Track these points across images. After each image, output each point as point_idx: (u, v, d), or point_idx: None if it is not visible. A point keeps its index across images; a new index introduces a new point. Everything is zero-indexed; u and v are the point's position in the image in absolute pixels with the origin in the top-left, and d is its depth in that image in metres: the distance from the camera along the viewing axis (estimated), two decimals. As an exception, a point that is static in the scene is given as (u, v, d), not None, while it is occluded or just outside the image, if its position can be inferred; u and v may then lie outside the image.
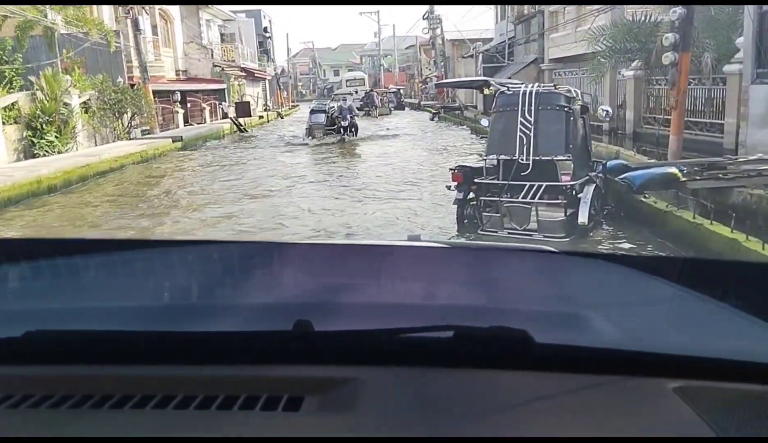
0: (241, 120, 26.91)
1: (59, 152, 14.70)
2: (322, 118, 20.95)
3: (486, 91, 7.79)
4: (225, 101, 32.29)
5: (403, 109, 44.95)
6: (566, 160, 6.60)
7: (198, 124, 28.21)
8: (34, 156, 14.14)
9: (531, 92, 6.69)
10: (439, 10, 37.49)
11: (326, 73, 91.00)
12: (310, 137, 20.62)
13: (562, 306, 1.13)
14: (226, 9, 40.28)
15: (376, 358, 0.94)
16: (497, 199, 6.85)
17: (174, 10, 31.22)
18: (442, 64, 37.84)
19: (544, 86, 6.90)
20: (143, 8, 23.55)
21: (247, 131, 26.03)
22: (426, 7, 38.05)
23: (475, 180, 7.07)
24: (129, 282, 1.21)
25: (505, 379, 0.91)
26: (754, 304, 1.01)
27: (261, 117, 35.43)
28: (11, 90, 15.74)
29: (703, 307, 1.06)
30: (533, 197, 6.58)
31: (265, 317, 1.06)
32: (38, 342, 0.94)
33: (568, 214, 6.58)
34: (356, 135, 20.95)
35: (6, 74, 16.71)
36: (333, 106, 21.86)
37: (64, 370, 0.93)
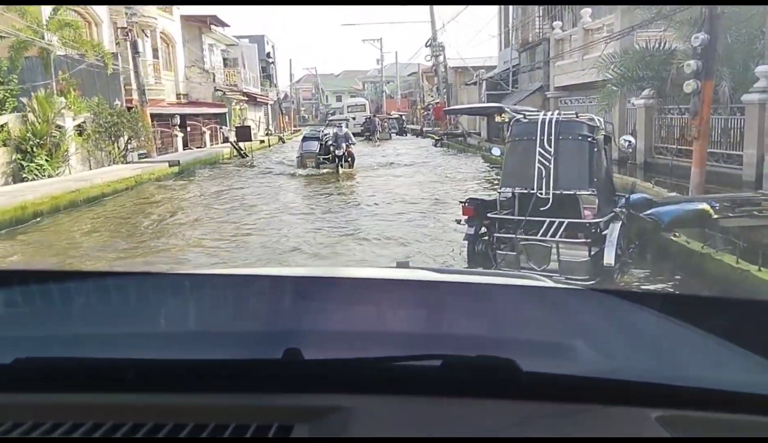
0: (241, 144, 26.48)
1: (50, 176, 14.15)
2: (314, 146, 18.69)
3: (499, 118, 7.23)
4: (226, 125, 31.98)
5: (405, 135, 45.12)
6: (590, 194, 6.01)
7: (198, 148, 27.79)
8: (23, 180, 13.58)
9: (551, 120, 6.13)
10: (442, 37, 37.38)
11: (329, 99, 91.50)
12: (301, 167, 18.61)
13: (548, 336, 1.12)
14: (230, 34, 40.31)
15: (365, 386, 0.95)
16: (513, 235, 6.25)
17: (176, 33, 31.08)
18: (444, 90, 37.64)
19: (564, 114, 6.34)
20: (144, 31, 23.30)
21: (247, 156, 25.55)
22: (429, 35, 37.99)
23: (489, 214, 6.47)
24: (119, 310, 1.21)
25: (492, 407, 0.92)
26: (736, 335, 1.02)
27: (262, 141, 35.14)
28: (3, 111, 15.29)
29: (687, 337, 1.07)
30: (554, 235, 5.98)
31: (254, 345, 1.06)
32: (28, 369, 0.94)
33: (592, 253, 5.97)
34: (353, 165, 18.78)
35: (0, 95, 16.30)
36: (328, 133, 19.62)
37: (54, 398, 0.93)
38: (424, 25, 49.94)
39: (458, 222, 7.02)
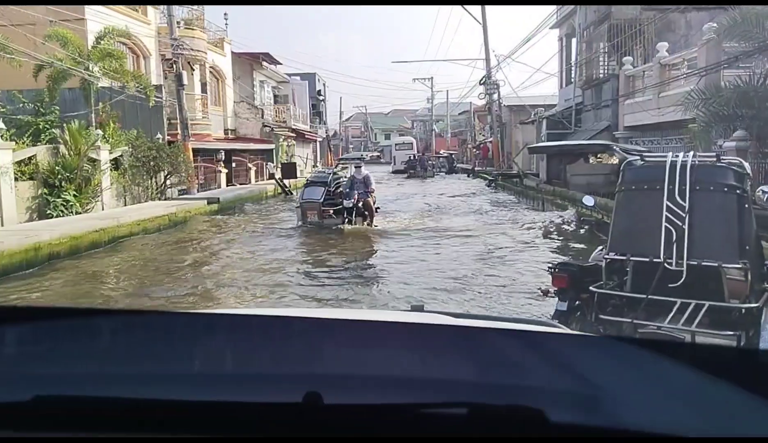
0: (286, 181, 25.46)
1: (77, 213, 13.13)
2: (318, 193, 13.94)
3: (608, 158, 5.60)
4: (272, 161, 31.24)
5: (456, 174, 43.78)
6: (740, 267, 4.30)
7: (242, 184, 26.93)
8: (47, 216, 12.61)
9: (683, 164, 4.49)
10: (498, 75, 36.11)
11: (377, 137, 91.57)
12: (301, 221, 14.10)
13: (574, 385, 1.08)
14: (281, 71, 40.17)
15: (389, 433, 0.93)
16: (626, 319, 4.54)
17: (227, 68, 30.76)
18: (498, 129, 36.20)
19: (700, 156, 4.69)
20: (191, 64, 22.75)
21: (292, 193, 24.44)
22: (483, 72, 36.81)
23: (590, 287, 4.80)
24: (139, 350, 1.18)
25: None
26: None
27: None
28: (39, 142, 14.56)
29: (717, 389, 1.05)
30: (689, 322, 4.25)
31: (275, 388, 1.03)
32: (47, 406, 0.94)
33: (742, 347, 4.22)
34: (372, 220, 13.57)
35: (39, 126, 15.67)
36: (341, 177, 15.22)
37: (73, 436, 0.93)
38: (477, 63, 49.12)
39: (545, 293, 5.41)
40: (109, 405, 0.95)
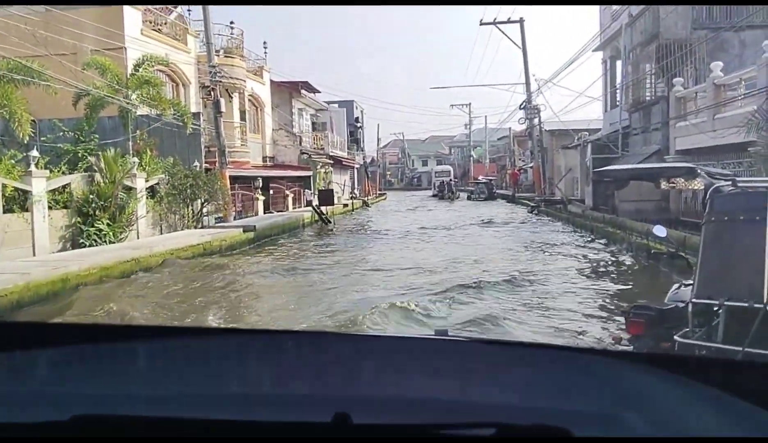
0: (324, 208, 25.07)
1: (110, 242, 12.88)
2: None
3: (691, 183, 4.90)
4: (310, 188, 31.02)
5: (495, 200, 43.08)
6: None
7: (279, 211, 26.68)
8: (80, 246, 12.37)
9: (789, 191, 3.76)
10: (539, 99, 35.39)
11: (414, 163, 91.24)
12: None
13: (600, 405, 1.08)
14: (320, 98, 40.27)
15: None
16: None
17: (265, 96, 30.87)
18: (539, 154, 35.33)
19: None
20: (229, 91, 22.73)
21: (330, 221, 23.99)
22: (523, 97, 36.15)
23: (675, 336, 4.07)
24: (174, 369, 1.18)
25: None
26: None
27: (345, 205, 33.91)
28: (77, 170, 14.47)
29: (744, 411, 1.02)
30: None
31: (304, 407, 1.04)
32: (85, 425, 0.95)
33: None
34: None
35: (78, 154, 15.65)
36: None
37: None
38: (517, 88, 48.52)
39: (617, 341, 4.70)
40: (143, 424, 0.96)
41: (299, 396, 1.09)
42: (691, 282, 4.96)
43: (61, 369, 1.18)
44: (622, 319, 5.16)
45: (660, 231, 5.52)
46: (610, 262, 12.34)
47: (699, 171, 4.78)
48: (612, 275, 11.29)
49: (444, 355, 1.22)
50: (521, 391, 1.12)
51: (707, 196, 4.22)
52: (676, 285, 5.14)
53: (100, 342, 1.22)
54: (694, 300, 4.06)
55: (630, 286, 9.87)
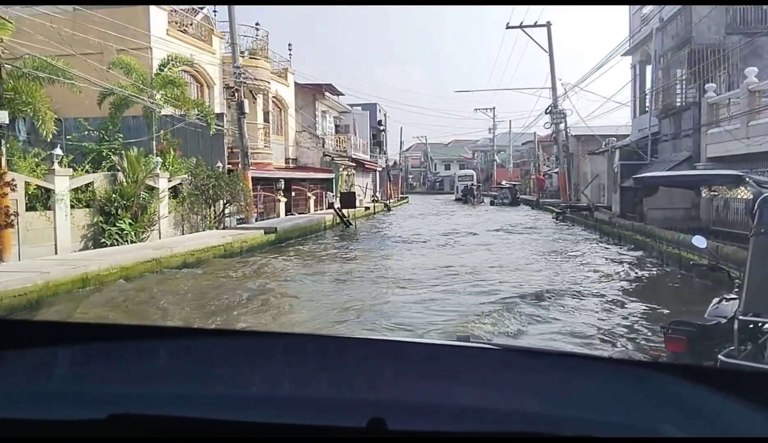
0: (345, 211, 24.95)
1: (131, 242, 12.85)
2: None
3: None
4: (332, 190, 30.94)
5: (518, 205, 42.60)
6: None
7: (301, 213, 26.62)
8: (101, 245, 12.36)
9: None
10: (565, 103, 34.92)
11: (437, 167, 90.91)
12: None
13: (636, 418, 1.04)
14: (343, 101, 40.22)
15: None
16: None
17: (289, 98, 30.89)
18: (565, 159, 34.82)
19: None
20: (252, 92, 22.71)
21: (351, 224, 23.81)
22: (548, 101, 35.68)
23: (719, 356, 3.78)
24: (210, 370, 1.17)
25: None
26: None
27: (367, 208, 33.75)
28: (101, 169, 14.51)
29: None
30: None
31: (338, 412, 1.03)
32: (122, 424, 0.96)
33: None
34: None
35: (102, 153, 15.71)
36: None
37: None
38: (542, 92, 47.92)
39: (655, 360, 4.40)
40: (178, 424, 0.97)
41: (333, 400, 1.09)
42: (734, 296, 4.67)
43: (98, 368, 1.20)
44: (650, 332, 4.87)
45: (699, 242, 5.21)
46: (641, 272, 11.94)
47: (748, 179, 4.47)
48: (645, 286, 10.87)
49: (472, 362, 1.21)
50: (552, 400, 1.10)
51: (756, 206, 3.93)
52: (716, 300, 4.84)
53: (140, 340, 1.22)
54: (740, 316, 3.77)
55: (665, 299, 9.39)
